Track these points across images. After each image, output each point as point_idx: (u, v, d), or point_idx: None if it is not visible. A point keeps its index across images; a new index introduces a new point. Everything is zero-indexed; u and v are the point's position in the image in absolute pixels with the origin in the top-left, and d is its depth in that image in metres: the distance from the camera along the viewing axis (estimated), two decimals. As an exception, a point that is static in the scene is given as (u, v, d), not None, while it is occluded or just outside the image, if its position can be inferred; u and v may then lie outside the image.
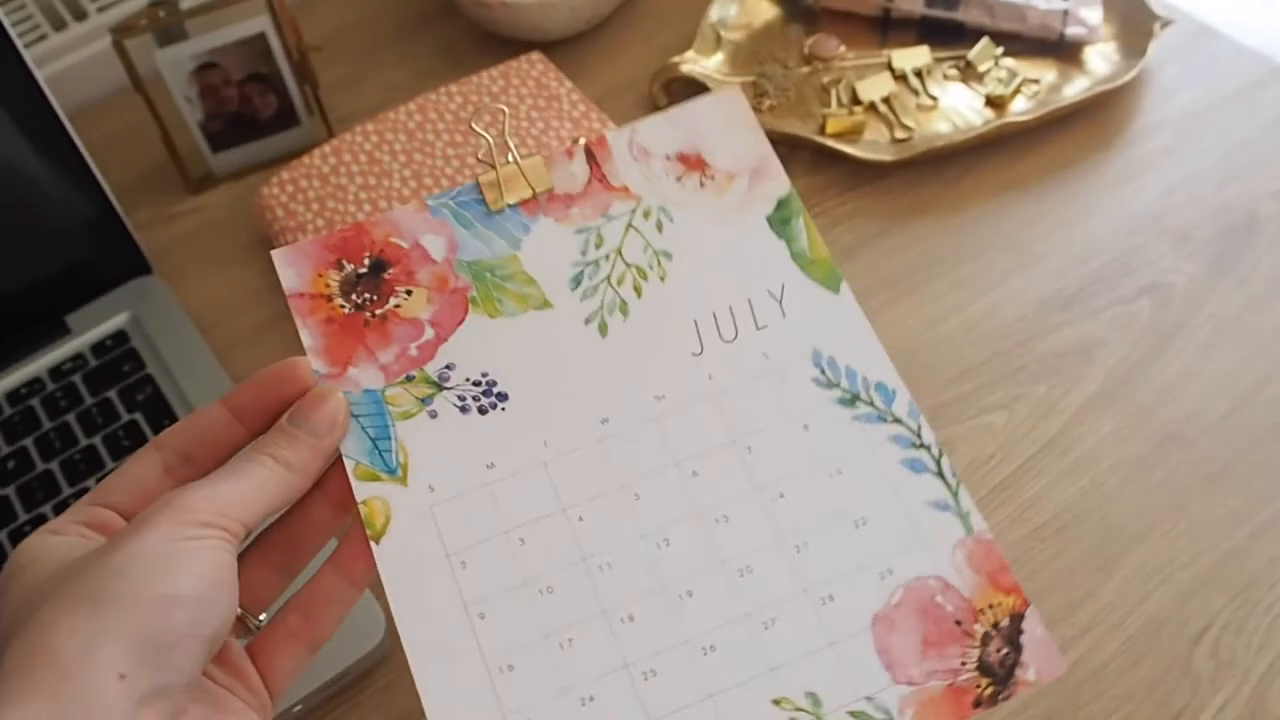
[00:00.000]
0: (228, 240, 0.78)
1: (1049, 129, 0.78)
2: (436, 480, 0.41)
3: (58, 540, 0.37)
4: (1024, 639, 0.40)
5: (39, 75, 0.65)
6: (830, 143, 0.76)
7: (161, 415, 0.66)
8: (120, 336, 0.70)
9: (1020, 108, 0.77)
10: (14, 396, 0.68)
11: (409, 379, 0.42)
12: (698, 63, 0.81)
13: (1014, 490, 0.62)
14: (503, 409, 0.42)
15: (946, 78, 0.80)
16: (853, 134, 0.77)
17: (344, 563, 0.41)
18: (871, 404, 0.43)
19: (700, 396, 0.42)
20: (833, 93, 0.79)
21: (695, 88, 0.80)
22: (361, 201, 0.73)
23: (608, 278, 0.43)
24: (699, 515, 0.41)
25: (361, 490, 0.40)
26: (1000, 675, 0.39)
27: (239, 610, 0.39)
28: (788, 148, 0.77)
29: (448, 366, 0.42)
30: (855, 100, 0.79)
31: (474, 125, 0.43)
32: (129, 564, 0.34)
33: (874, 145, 0.76)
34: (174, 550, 0.35)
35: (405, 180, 0.74)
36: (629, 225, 0.44)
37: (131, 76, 0.74)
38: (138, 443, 0.65)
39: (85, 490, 0.63)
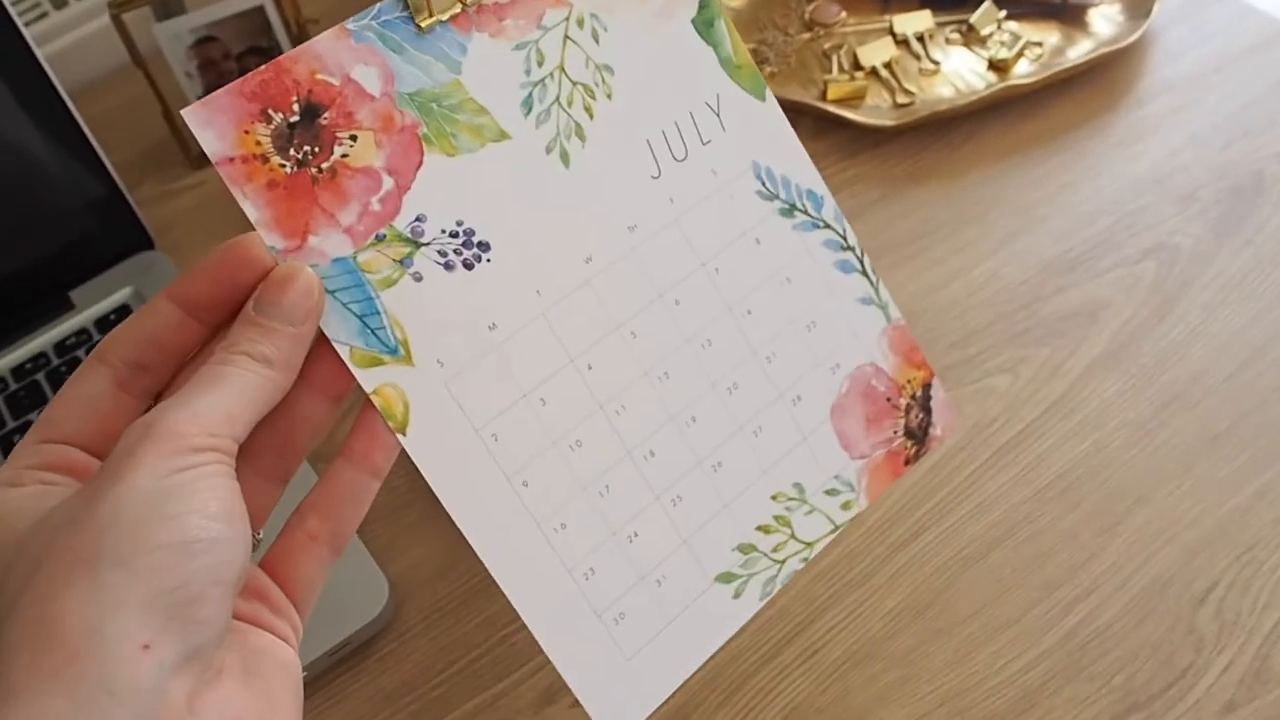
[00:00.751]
0: (229, 215, 0.78)
1: (1053, 92, 0.77)
2: (443, 353, 0.38)
3: (16, 494, 0.32)
4: (933, 403, 0.47)
5: (39, 54, 0.65)
6: (832, 109, 0.76)
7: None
8: (123, 310, 0.70)
9: (1023, 71, 0.77)
10: (19, 371, 0.68)
11: (379, 239, 0.37)
12: None
13: (1018, 452, 0.62)
14: (488, 260, 0.39)
15: (949, 42, 0.79)
16: (854, 100, 0.77)
17: (362, 455, 0.37)
18: (806, 212, 0.45)
19: (666, 222, 0.42)
20: (834, 59, 0.79)
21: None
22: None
23: (557, 99, 0.40)
24: (688, 343, 0.43)
25: (368, 379, 0.37)
26: (919, 436, 0.47)
27: None
28: (789, 115, 0.76)
29: (418, 219, 0.38)
30: (856, 66, 0.78)
31: None
32: (121, 513, 0.29)
33: (875, 110, 0.76)
34: (169, 487, 0.29)
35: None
36: (566, 37, 0.41)
37: (131, 51, 0.74)
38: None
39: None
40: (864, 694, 0.54)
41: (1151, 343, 0.65)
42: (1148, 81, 0.78)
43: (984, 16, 0.79)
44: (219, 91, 0.35)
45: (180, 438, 0.30)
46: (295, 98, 0.36)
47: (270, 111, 0.36)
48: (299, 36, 0.77)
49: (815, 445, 0.45)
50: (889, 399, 0.47)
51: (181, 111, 0.35)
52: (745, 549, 0.44)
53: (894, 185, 0.75)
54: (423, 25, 0.38)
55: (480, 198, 0.39)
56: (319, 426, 0.37)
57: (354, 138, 0.37)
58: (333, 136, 0.37)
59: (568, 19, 0.41)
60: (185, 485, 0.30)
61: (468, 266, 0.39)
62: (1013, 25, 0.79)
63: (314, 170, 0.36)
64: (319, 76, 0.36)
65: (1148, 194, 0.72)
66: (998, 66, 0.77)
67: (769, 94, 0.45)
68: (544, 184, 0.40)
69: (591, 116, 0.41)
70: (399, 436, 0.37)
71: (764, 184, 0.44)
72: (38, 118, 0.67)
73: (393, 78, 0.37)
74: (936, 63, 0.78)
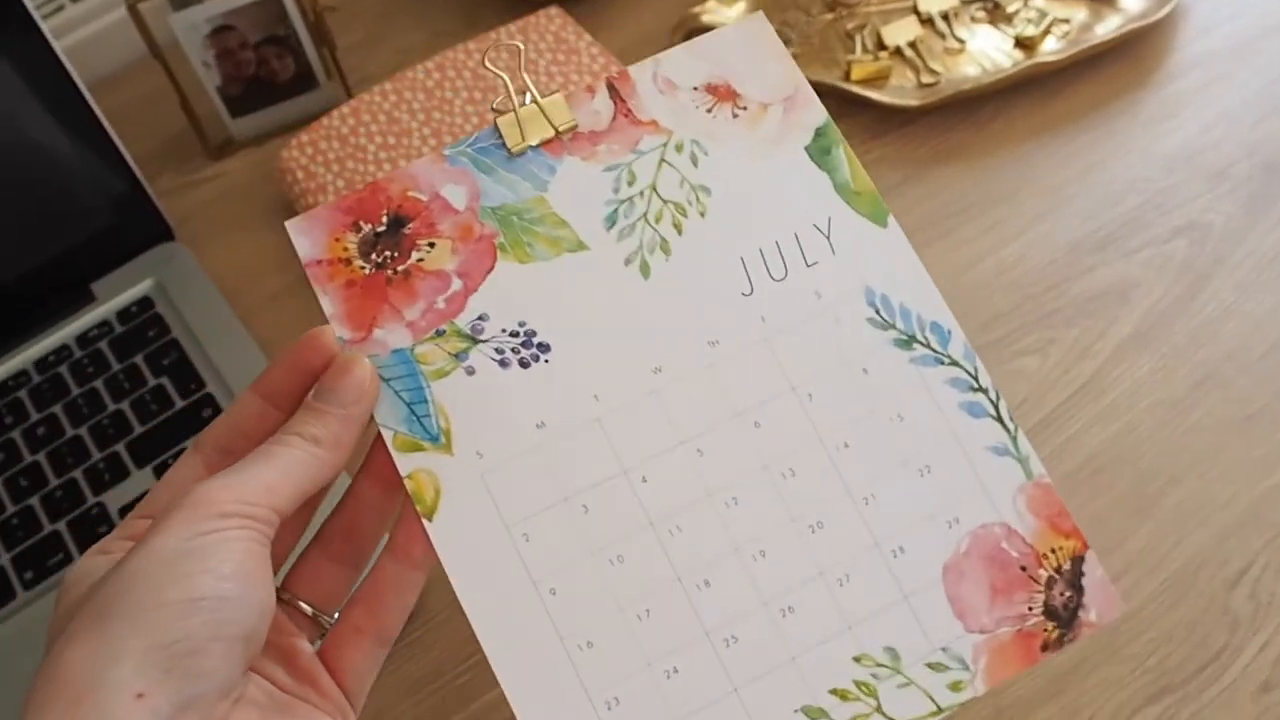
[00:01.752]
0: (249, 205, 0.78)
1: (1081, 69, 0.76)
2: (484, 445, 0.38)
3: (104, 560, 0.34)
4: (1085, 581, 0.39)
5: (57, 47, 0.65)
6: (856, 89, 0.75)
7: (188, 380, 0.66)
8: (145, 303, 0.70)
9: (1051, 48, 0.75)
10: (42, 364, 0.68)
11: (439, 334, 0.39)
12: (719, 12, 0.80)
13: (1049, 434, 0.61)
14: (546, 361, 0.39)
15: (974, 20, 0.78)
16: (879, 80, 0.76)
17: (401, 546, 0.38)
18: (928, 345, 0.41)
19: (754, 340, 0.40)
20: (857, 39, 0.78)
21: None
22: (381, 161, 0.73)
23: (644, 215, 0.41)
24: (765, 470, 0.39)
25: (405, 463, 0.38)
26: (1064, 618, 0.39)
27: (309, 610, 0.37)
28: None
29: (480, 318, 0.39)
30: (880, 46, 0.77)
31: (487, 63, 0.42)
32: (142, 570, 0.31)
33: (900, 90, 0.75)
34: (191, 549, 0.32)
35: (425, 139, 0.73)
36: (661, 160, 0.41)
37: (148, 42, 0.74)
38: (164, 408, 0.65)
39: (114, 455, 0.63)
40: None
41: (1183, 322, 0.64)
42: (1178, 57, 0.77)
43: (1009, -7, 0.78)
44: (321, 206, 0.40)
45: (211, 505, 0.33)
46: (385, 211, 0.40)
47: (361, 223, 0.40)
48: (316, 25, 0.77)
49: (919, 608, 0.39)
50: (1024, 567, 0.39)
51: (286, 224, 0.40)
52: (813, 713, 0.38)
53: (920, 166, 0.74)
54: (514, 150, 0.40)
55: (547, 302, 0.39)
56: (381, 514, 0.39)
57: (432, 244, 0.40)
58: (413, 244, 0.40)
59: (665, 145, 0.41)
60: (205, 548, 0.32)
61: (523, 365, 0.39)
62: (1039, 2, 0.77)
63: (390, 272, 0.39)
64: (410, 194, 0.40)
65: (1178, 172, 0.71)
66: (1024, 44, 0.76)
67: (892, 221, 0.42)
68: (618, 293, 0.40)
69: (680, 232, 0.41)
70: (425, 522, 0.37)
71: (878, 312, 0.41)
72: (57, 111, 0.67)
73: (479, 194, 0.40)
74: (962, 41, 0.76)
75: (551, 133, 0.41)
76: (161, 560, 0.31)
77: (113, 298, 0.70)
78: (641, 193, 0.41)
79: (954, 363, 0.41)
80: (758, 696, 0.38)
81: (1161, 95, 0.75)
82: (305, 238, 0.39)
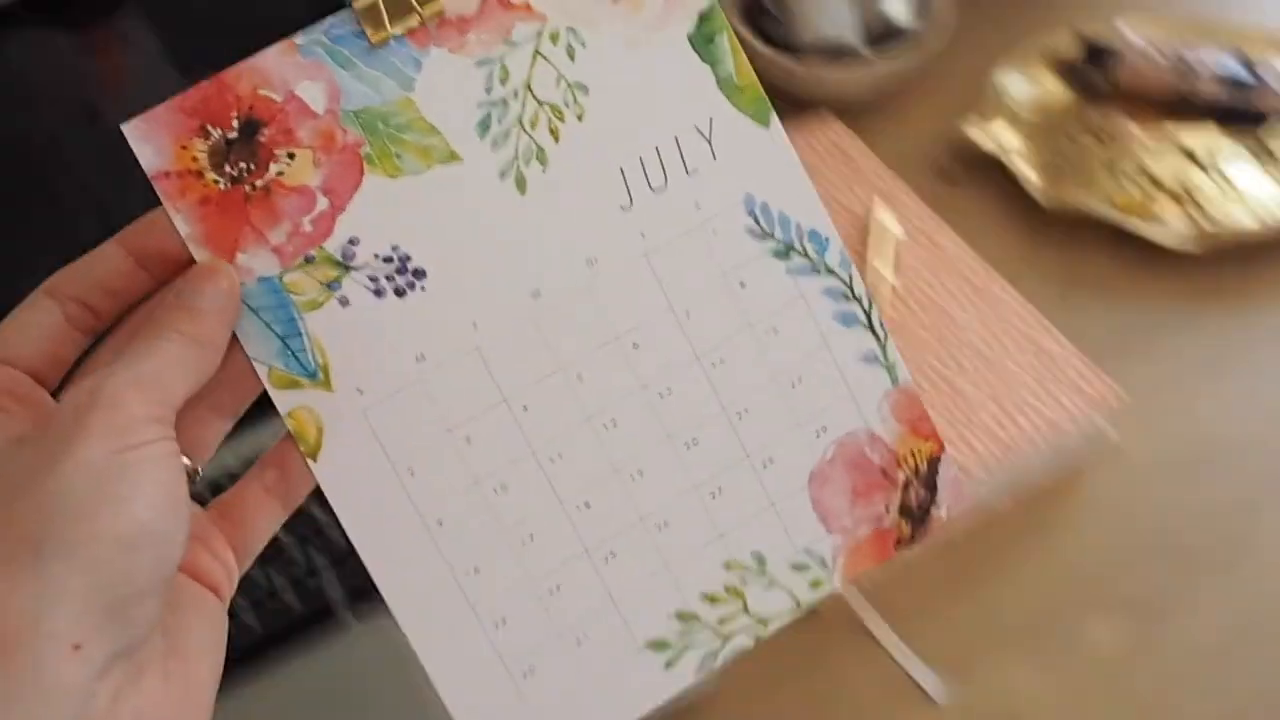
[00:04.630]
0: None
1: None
2: (364, 381, 0.37)
3: None
4: (939, 480, 0.41)
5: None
6: (1121, 221, 0.71)
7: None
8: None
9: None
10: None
11: (309, 260, 0.36)
12: (981, 126, 0.78)
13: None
14: (422, 288, 0.37)
15: (1239, 157, 0.73)
16: (1144, 214, 0.71)
17: (275, 479, 0.37)
18: (805, 255, 0.40)
19: (634, 258, 0.39)
20: (1124, 170, 0.73)
21: (984, 158, 0.77)
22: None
23: (519, 119, 0.38)
24: (643, 391, 0.39)
25: (284, 400, 0.36)
26: (918, 516, 0.41)
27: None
28: (1074, 224, 0.73)
29: (351, 241, 0.37)
30: (1146, 179, 0.72)
31: None
32: (70, 488, 0.28)
33: (1166, 228, 0.70)
34: (119, 465, 0.29)
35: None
36: (536, 53, 0.38)
37: None
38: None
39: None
40: None
41: None
42: None
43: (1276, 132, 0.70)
44: (160, 106, 0.35)
45: (129, 408, 0.30)
46: (236, 114, 0.36)
47: (209, 127, 0.35)
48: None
49: (786, 514, 0.40)
50: (884, 471, 0.41)
51: (121, 126, 0.35)
52: (685, 617, 0.40)
53: (1187, 304, 0.68)
54: (374, 41, 0.37)
55: (420, 223, 0.37)
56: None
57: (291, 155, 0.36)
58: (270, 154, 0.36)
59: (540, 33, 0.38)
60: (136, 466, 0.30)
61: (399, 294, 0.37)
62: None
63: (247, 188, 0.36)
64: (261, 92, 0.36)
65: None
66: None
67: (774, 119, 0.40)
68: (493, 211, 0.38)
69: (557, 139, 0.38)
70: (309, 462, 0.37)
71: (757, 221, 0.40)
72: None
73: (339, 95, 0.36)
74: (1228, 180, 0.72)
75: (417, 20, 0.37)
76: (92, 477, 0.29)
77: None
78: (515, 93, 0.38)
79: (830, 271, 0.40)
80: (634, 604, 0.39)
81: None
82: (147, 145, 0.35)
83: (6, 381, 0.33)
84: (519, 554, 0.39)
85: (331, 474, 0.37)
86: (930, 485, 0.41)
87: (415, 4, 0.36)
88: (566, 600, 0.39)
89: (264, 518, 0.36)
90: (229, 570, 0.35)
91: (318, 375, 0.37)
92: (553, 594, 0.39)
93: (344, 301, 0.37)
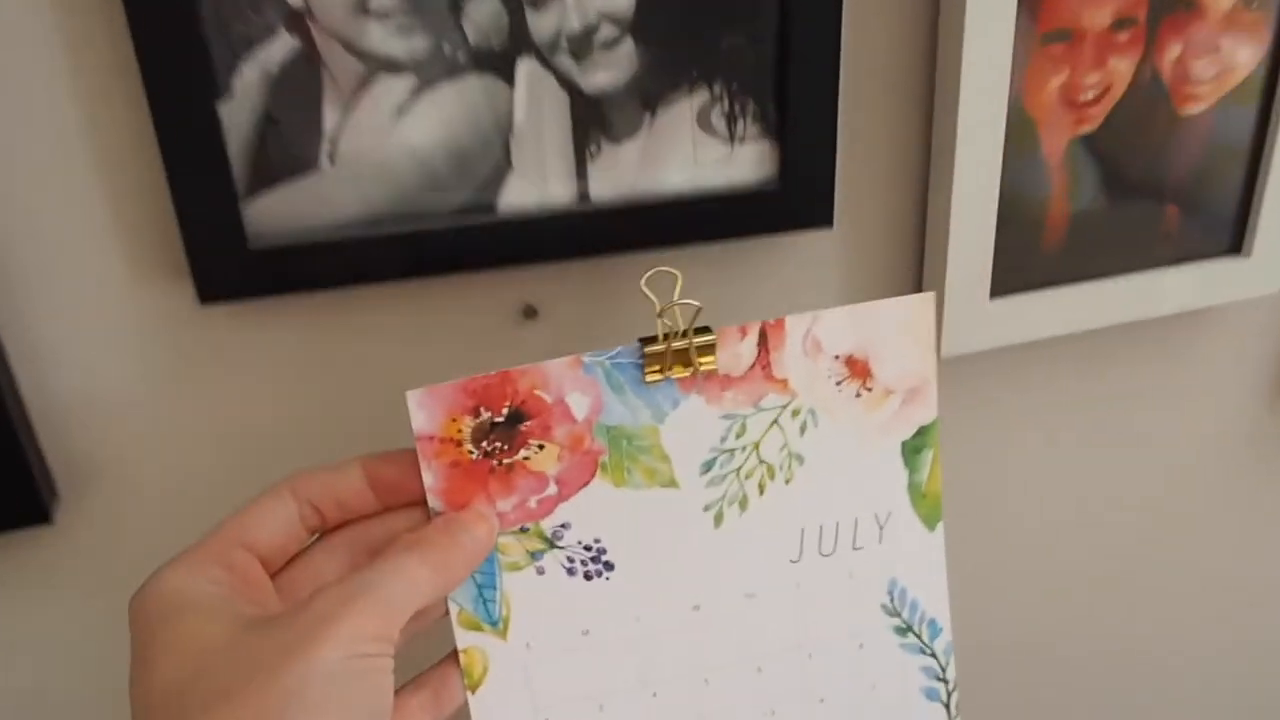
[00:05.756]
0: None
1: None
2: (534, 638, 0.42)
3: (187, 579, 0.35)
4: None
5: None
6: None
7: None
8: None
9: None
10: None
11: (523, 530, 0.41)
12: None
13: None
14: (607, 578, 0.42)
15: None
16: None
17: (432, 695, 0.41)
18: (919, 637, 0.47)
19: (785, 602, 0.45)
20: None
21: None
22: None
23: (739, 469, 0.43)
24: (754, 708, 0.45)
25: (463, 638, 0.41)
26: None
27: None
28: None
29: (563, 525, 0.42)
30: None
31: (644, 287, 0.40)
32: (306, 686, 0.32)
33: None
34: (352, 673, 0.33)
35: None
36: (775, 422, 0.43)
37: None
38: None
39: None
40: None
41: None
42: None
43: None
44: (447, 385, 0.39)
45: (366, 622, 0.34)
46: (508, 403, 0.40)
47: (481, 408, 0.40)
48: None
49: None
50: None
51: (406, 393, 0.39)
52: None
53: None
54: (649, 379, 0.41)
55: (626, 527, 0.42)
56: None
57: (541, 446, 0.41)
58: (524, 441, 0.41)
59: (785, 407, 0.43)
60: (362, 675, 0.33)
61: (587, 577, 0.42)
62: None
63: (495, 463, 0.40)
64: (536, 392, 0.40)
65: None
66: None
67: (940, 529, 0.46)
68: (688, 535, 0.43)
69: (762, 493, 0.44)
70: (467, 694, 0.42)
71: (892, 599, 0.46)
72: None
73: (601, 409, 0.41)
74: None
75: (690, 372, 0.41)
76: (324, 677, 0.32)
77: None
78: (744, 448, 0.43)
79: (933, 654, 0.47)
80: None
81: None
82: (423, 411, 0.39)
83: (245, 565, 0.37)
84: None
85: (483, 706, 0.42)
86: None
87: (695, 359, 0.41)
88: None
89: None
90: None
91: (499, 625, 0.42)
92: None
93: (540, 571, 0.42)
